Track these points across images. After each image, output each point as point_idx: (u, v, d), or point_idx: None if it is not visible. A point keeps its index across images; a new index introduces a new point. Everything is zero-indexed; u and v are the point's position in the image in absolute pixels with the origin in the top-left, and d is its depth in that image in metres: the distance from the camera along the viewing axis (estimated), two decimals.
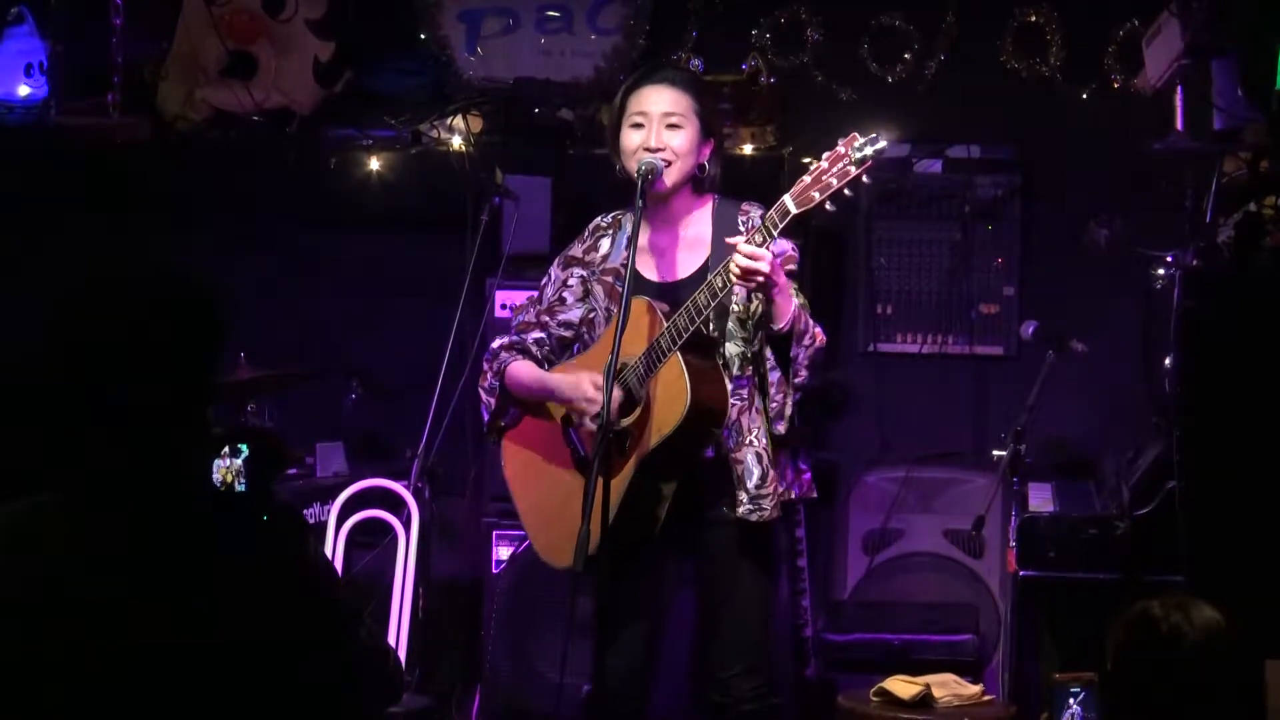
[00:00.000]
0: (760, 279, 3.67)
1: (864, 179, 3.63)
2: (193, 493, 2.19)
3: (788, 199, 3.68)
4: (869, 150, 3.60)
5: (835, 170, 3.63)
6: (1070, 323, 5.37)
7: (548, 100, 5.78)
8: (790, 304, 3.79)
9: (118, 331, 2.17)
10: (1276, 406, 4.32)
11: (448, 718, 5.47)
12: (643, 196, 3.85)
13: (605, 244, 4.09)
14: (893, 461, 5.80)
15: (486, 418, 4.15)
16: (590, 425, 3.83)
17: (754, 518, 3.89)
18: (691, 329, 3.76)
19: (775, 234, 3.69)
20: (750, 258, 3.65)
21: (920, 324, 5.92)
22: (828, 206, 3.65)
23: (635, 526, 3.85)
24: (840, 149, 3.65)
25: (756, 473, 3.89)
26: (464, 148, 5.72)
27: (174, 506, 2.16)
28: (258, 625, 2.13)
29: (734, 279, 3.69)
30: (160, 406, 2.17)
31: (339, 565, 5.10)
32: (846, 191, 3.64)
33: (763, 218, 3.73)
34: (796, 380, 3.89)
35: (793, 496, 4.02)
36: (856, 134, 3.64)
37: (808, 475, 4.07)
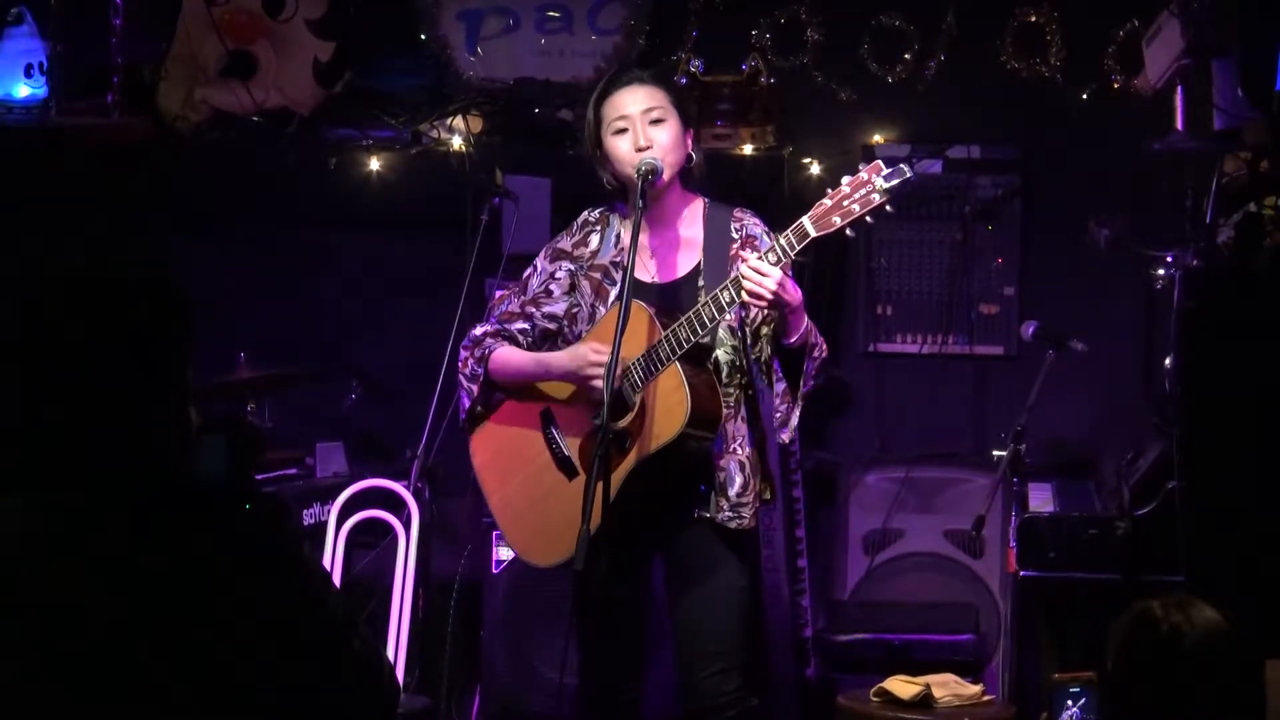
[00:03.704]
0: (770, 299, 3.67)
1: (887, 208, 3.62)
2: (166, 487, 2.18)
3: (807, 222, 3.66)
4: (896, 182, 3.59)
5: (858, 197, 3.62)
6: (1070, 323, 5.37)
7: (548, 100, 5.78)
8: (804, 320, 3.77)
9: (74, 330, 2.17)
10: (1276, 407, 4.32)
11: (448, 718, 5.47)
12: (643, 197, 3.83)
13: (594, 239, 4.06)
14: (893, 461, 5.80)
15: (466, 405, 4.08)
16: (596, 386, 3.79)
17: (733, 525, 3.88)
18: (694, 340, 3.75)
19: (792, 255, 3.68)
20: (760, 275, 3.64)
21: (920, 324, 5.92)
22: (848, 232, 3.64)
23: (623, 527, 3.84)
24: (864, 175, 3.63)
25: (738, 481, 3.88)
26: (464, 148, 5.72)
27: (144, 502, 2.15)
28: (235, 625, 2.12)
29: (748, 297, 3.67)
30: (123, 403, 2.17)
31: (338, 565, 5.10)
32: (869, 219, 3.63)
33: (779, 238, 3.70)
34: (804, 390, 3.86)
35: (765, 499, 4.00)
36: (880, 163, 3.63)
37: (793, 475, 4.06)
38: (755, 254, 3.71)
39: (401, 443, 5.48)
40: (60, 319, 2.18)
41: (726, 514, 3.88)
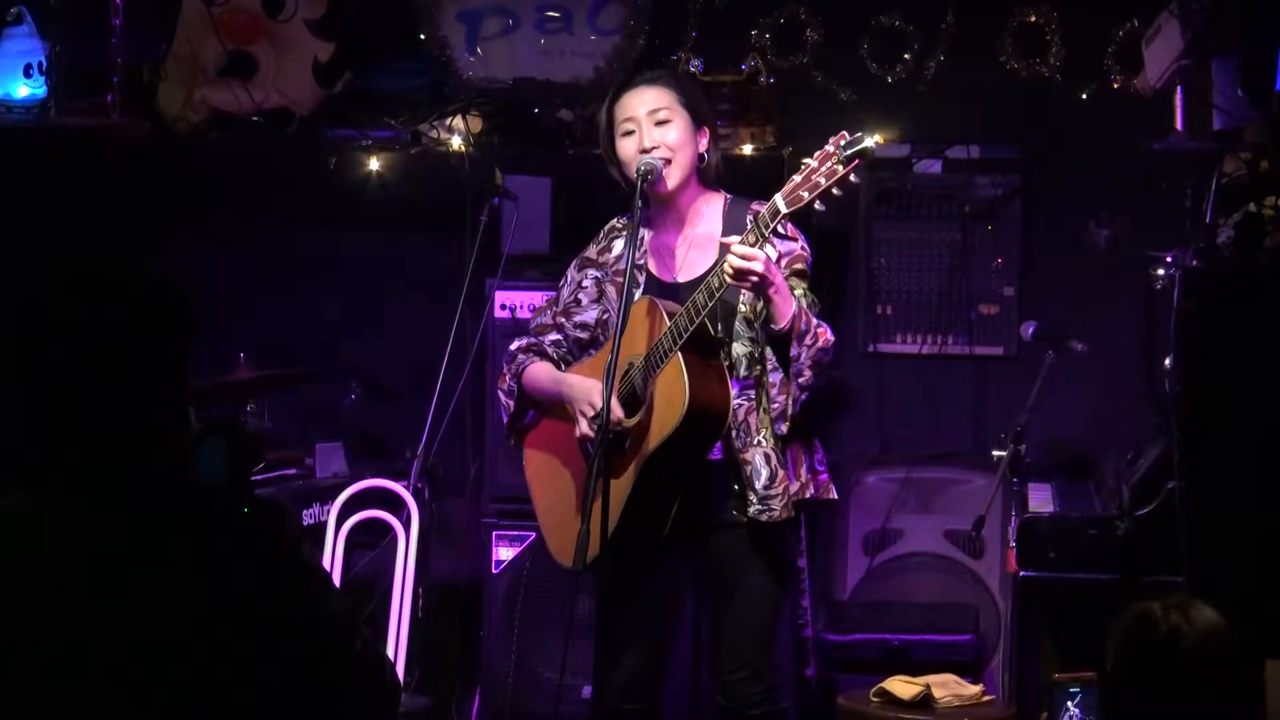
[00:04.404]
0: (754, 279, 3.67)
1: (853, 178, 3.63)
2: (166, 488, 2.18)
3: (778, 198, 3.68)
4: (856, 149, 3.59)
5: (824, 169, 3.63)
6: (1070, 323, 5.37)
7: (548, 100, 5.77)
8: (789, 304, 3.77)
9: (74, 331, 2.17)
10: (1276, 407, 4.32)
11: (448, 718, 5.47)
12: (642, 198, 3.85)
13: (619, 244, 4.09)
14: (893, 461, 5.79)
15: (506, 420, 4.15)
16: (589, 429, 3.84)
17: (764, 518, 3.87)
18: (691, 329, 3.75)
19: (767, 233, 3.69)
20: (743, 258, 3.65)
21: (920, 324, 5.92)
22: (817, 206, 3.65)
23: (641, 528, 3.84)
24: (829, 148, 3.65)
25: (765, 473, 3.87)
26: (464, 148, 5.72)
27: (144, 503, 2.15)
28: (235, 626, 2.12)
29: (728, 279, 3.68)
30: (123, 403, 2.17)
31: (338, 565, 5.10)
32: (835, 190, 3.63)
33: (755, 217, 3.73)
34: (800, 380, 3.85)
35: (807, 497, 3.99)
36: (845, 133, 3.65)
37: (824, 476, 4.04)
38: (738, 237, 3.72)
39: (401, 443, 5.49)
40: (60, 319, 2.18)
41: (757, 507, 3.87)
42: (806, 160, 3.68)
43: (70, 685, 2.08)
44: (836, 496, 4.12)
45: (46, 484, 2.17)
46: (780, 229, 3.75)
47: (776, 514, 3.88)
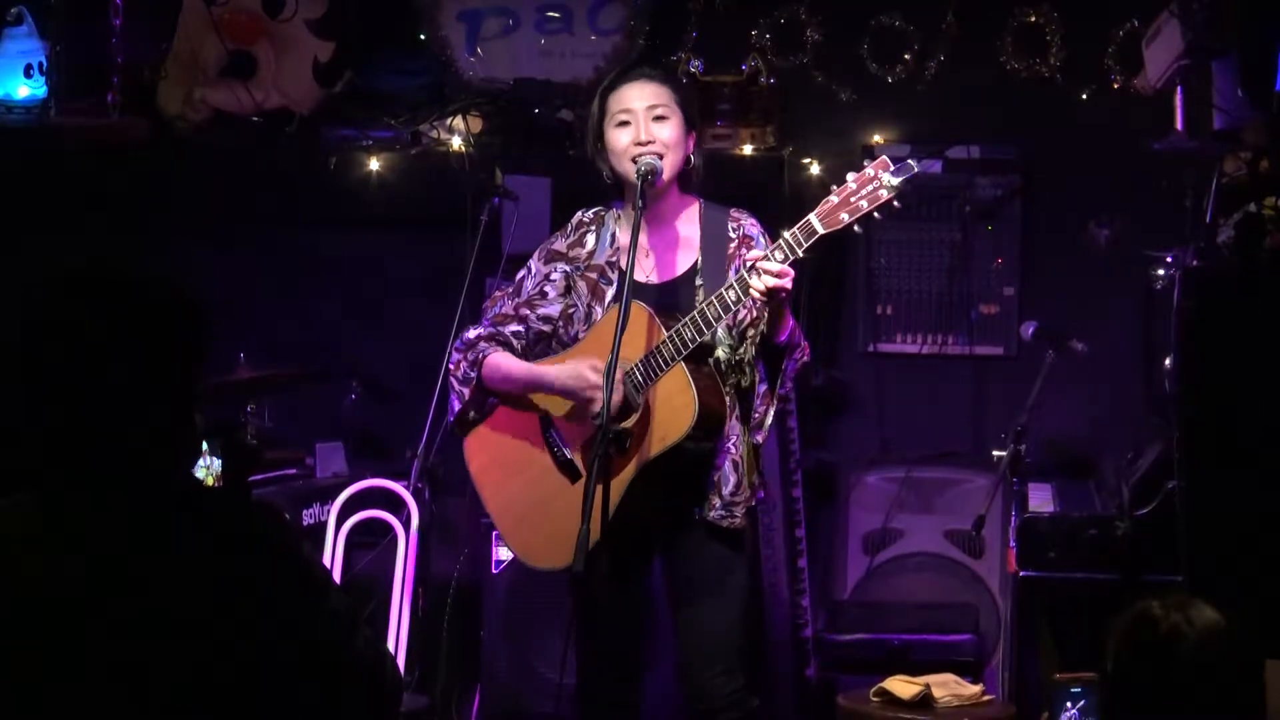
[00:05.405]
0: (782, 296, 3.67)
1: (895, 203, 3.62)
2: (167, 488, 2.18)
3: (814, 219, 3.66)
4: (904, 178, 3.59)
5: (865, 193, 3.62)
6: (1070, 323, 5.37)
7: (548, 100, 5.78)
8: (790, 317, 3.80)
9: (74, 331, 2.17)
10: (1276, 407, 4.31)
11: (448, 718, 5.47)
12: (643, 197, 3.83)
13: (590, 240, 4.05)
14: (893, 461, 5.80)
15: (457, 408, 4.06)
16: (594, 410, 3.80)
17: (725, 524, 3.89)
18: (699, 340, 3.75)
19: (800, 253, 3.68)
20: (778, 275, 3.64)
21: (920, 324, 5.93)
22: (855, 229, 3.65)
23: (630, 528, 3.84)
24: (870, 171, 3.63)
25: (732, 480, 3.88)
26: (464, 148, 5.72)
27: (145, 503, 2.16)
28: (236, 625, 2.12)
29: (756, 294, 3.67)
30: (124, 404, 2.17)
31: (338, 565, 5.10)
32: (876, 215, 3.63)
33: (787, 235, 3.70)
34: (781, 391, 3.91)
35: (752, 504, 4.01)
36: (886, 158, 3.63)
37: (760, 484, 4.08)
38: (760, 250, 3.71)
39: (401, 443, 5.48)
40: (60, 319, 2.18)
41: (719, 512, 3.88)
42: (844, 181, 3.65)
43: (70, 685, 2.08)
44: (762, 497, 4.13)
45: (46, 484, 2.17)
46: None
47: (738, 521, 3.90)
